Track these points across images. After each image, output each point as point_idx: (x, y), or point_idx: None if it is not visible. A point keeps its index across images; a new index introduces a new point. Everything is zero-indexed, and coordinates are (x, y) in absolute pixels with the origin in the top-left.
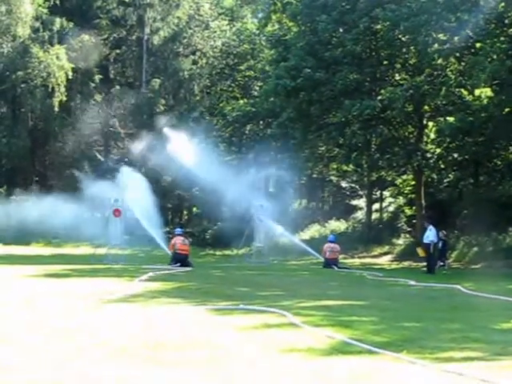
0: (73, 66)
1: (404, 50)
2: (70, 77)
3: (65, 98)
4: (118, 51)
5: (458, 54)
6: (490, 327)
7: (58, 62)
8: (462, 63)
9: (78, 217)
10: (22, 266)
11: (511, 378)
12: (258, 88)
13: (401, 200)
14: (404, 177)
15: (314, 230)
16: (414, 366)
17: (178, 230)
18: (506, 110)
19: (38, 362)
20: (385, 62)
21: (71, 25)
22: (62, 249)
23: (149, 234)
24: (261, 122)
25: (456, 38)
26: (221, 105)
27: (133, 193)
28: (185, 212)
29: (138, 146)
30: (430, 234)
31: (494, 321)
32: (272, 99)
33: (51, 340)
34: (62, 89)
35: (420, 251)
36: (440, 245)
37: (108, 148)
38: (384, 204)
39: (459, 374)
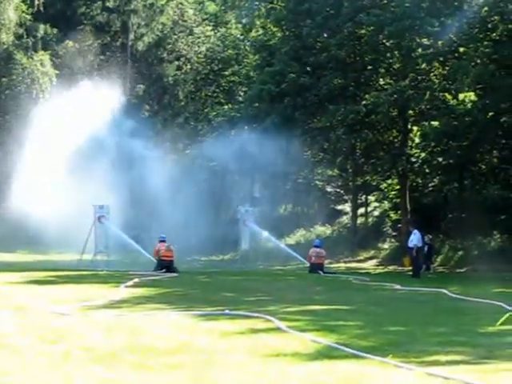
0: (57, 72)
1: (388, 54)
2: (54, 83)
3: (49, 105)
4: (102, 57)
5: (441, 59)
6: (476, 331)
7: (42, 69)
8: (446, 68)
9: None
10: (7, 273)
11: (496, 381)
12: (242, 93)
13: (386, 204)
14: (389, 181)
15: (299, 235)
16: (399, 370)
17: (162, 236)
18: (490, 114)
19: (26, 365)
20: (369, 67)
21: (55, 31)
22: (47, 255)
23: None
24: (245, 128)
25: (440, 43)
26: (205, 110)
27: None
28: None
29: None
30: (414, 238)
31: (480, 324)
32: (256, 104)
33: (39, 344)
34: (47, 95)
35: (406, 262)
36: (426, 249)
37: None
38: (369, 208)
39: (445, 378)
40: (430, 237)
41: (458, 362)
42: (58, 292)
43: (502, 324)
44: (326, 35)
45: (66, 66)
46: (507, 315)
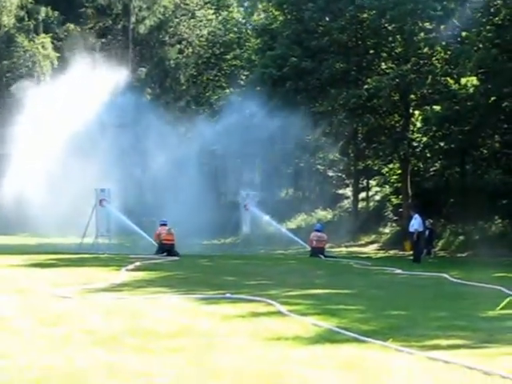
0: (58, 55)
1: (390, 38)
2: (56, 66)
3: (50, 88)
4: (103, 40)
5: (444, 43)
6: (476, 315)
7: (43, 51)
8: (448, 52)
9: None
10: (8, 255)
11: (497, 365)
12: (244, 77)
13: (387, 189)
14: (390, 166)
15: (300, 219)
16: (400, 354)
17: (163, 220)
18: (492, 98)
19: (27, 347)
20: (371, 51)
21: (56, 14)
22: (49, 239)
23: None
24: (247, 111)
25: (442, 27)
26: (207, 94)
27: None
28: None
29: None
30: (415, 223)
31: (480, 309)
32: (258, 88)
33: (40, 327)
34: (48, 78)
35: (407, 246)
36: (427, 233)
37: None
38: (370, 193)
39: (445, 362)
40: (432, 221)
41: (459, 346)
42: (59, 275)
43: (502, 308)
44: (327, 19)
45: (67, 48)
46: (508, 299)
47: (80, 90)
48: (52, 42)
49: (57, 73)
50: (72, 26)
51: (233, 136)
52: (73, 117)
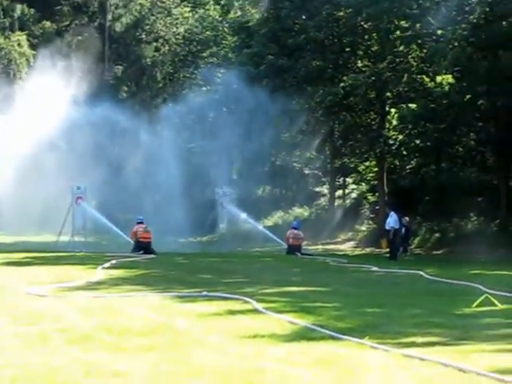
0: (34, 52)
1: (366, 36)
2: (32, 64)
3: (26, 85)
4: (79, 38)
5: (419, 41)
6: (452, 312)
7: (19, 49)
8: (424, 50)
9: (40, 204)
10: None
11: (472, 362)
12: (220, 75)
13: (364, 187)
14: (367, 163)
15: (277, 217)
16: (376, 352)
17: (139, 218)
18: (468, 96)
19: (2, 346)
20: (347, 49)
21: (32, 11)
22: (24, 237)
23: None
24: (224, 109)
25: (418, 25)
26: (183, 92)
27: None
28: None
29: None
30: (391, 221)
31: (456, 306)
32: (235, 86)
33: (15, 326)
34: (24, 76)
35: (383, 244)
36: (403, 231)
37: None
38: (347, 191)
39: (421, 359)
40: (408, 219)
41: (435, 344)
42: (35, 273)
43: (478, 306)
44: (304, 17)
45: (43, 46)
46: (483, 297)
47: (54, 88)
48: (28, 40)
49: (33, 70)
50: (48, 23)
51: (209, 133)
52: (47, 115)
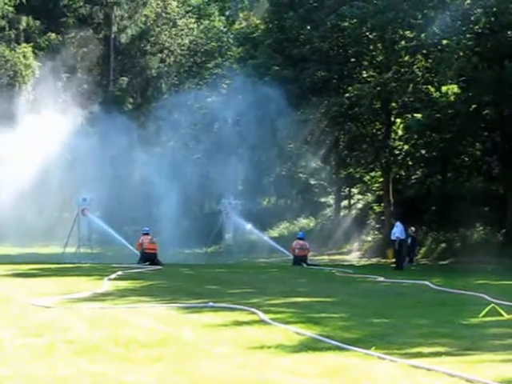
0: (40, 64)
1: (371, 47)
2: (37, 75)
3: (32, 97)
4: (85, 49)
5: (424, 51)
6: (459, 322)
7: (24, 61)
8: (429, 60)
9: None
10: None
11: (479, 372)
12: (225, 86)
13: (369, 197)
14: (372, 174)
15: (283, 228)
16: (383, 362)
17: (145, 229)
18: (473, 106)
19: (9, 358)
20: (352, 59)
21: (37, 23)
22: (31, 248)
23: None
24: (229, 120)
25: (423, 35)
26: (188, 103)
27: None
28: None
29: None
30: (397, 231)
31: (462, 316)
32: (240, 97)
33: (22, 337)
34: (29, 88)
35: (390, 254)
36: (409, 241)
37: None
38: (352, 201)
39: (428, 369)
40: (414, 229)
41: (441, 354)
42: (42, 285)
43: (484, 316)
44: (309, 27)
45: (48, 58)
46: (490, 307)
47: (59, 100)
48: (33, 52)
49: (38, 82)
50: (53, 35)
51: (215, 144)
52: (52, 126)
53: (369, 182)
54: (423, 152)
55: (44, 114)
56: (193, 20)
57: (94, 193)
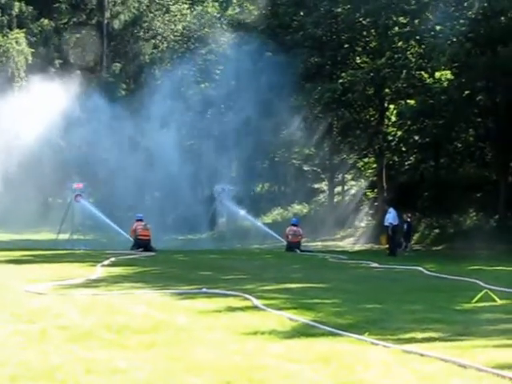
0: (32, 50)
1: (365, 33)
2: (30, 61)
3: (25, 83)
4: (77, 35)
5: (418, 37)
6: (452, 308)
7: (17, 47)
8: (422, 46)
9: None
10: None
11: (472, 357)
12: (218, 72)
13: (363, 183)
14: (365, 160)
15: (276, 214)
16: (376, 348)
17: (139, 216)
18: (466, 92)
19: (2, 344)
20: (345, 46)
21: (30, 9)
22: (23, 235)
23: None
24: (222, 106)
25: (416, 21)
26: (182, 89)
27: None
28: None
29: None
30: (390, 217)
31: (455, 301)
32: (233, 83)
33: (15, 323)
34: (22, 74)
35: (383, 240)
36: (405, 227)
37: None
38: (346, 187)
39: (421, 355)
40: (409, 215)
41: (434, 339)
42: (35, 271)
43: (477, 301)
44: (302, 13)
45: (41, 44)
46: (483, 292)
47: (53, 86)
48: (26, 38)
49: (31, 68)
50: (46, 21)
51: (208, 130)
52: (45, 113)
53: (362, 168)
54: (416, 138)
55: (36, 100)
56: (186, 6)
57: (87, 179)
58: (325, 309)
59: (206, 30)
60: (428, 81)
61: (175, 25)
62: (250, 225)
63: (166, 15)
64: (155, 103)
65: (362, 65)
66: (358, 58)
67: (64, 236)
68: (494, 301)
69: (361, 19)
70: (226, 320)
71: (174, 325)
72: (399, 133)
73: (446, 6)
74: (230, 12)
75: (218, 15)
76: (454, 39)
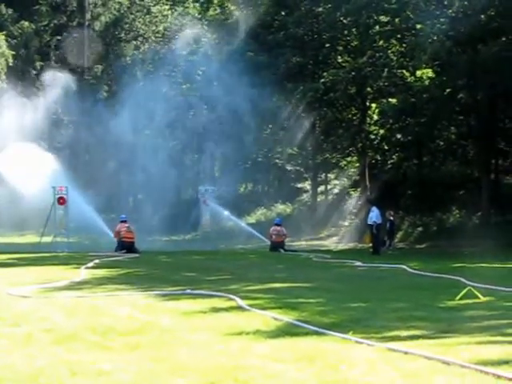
0: (13, 52)
1: (346, 32)
2: (11, 64)
3: (5, 86)
4: (59, 37)
5: (399, 36)
6: (435, 305)
7: None
8: (404, 44)
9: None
10: None
11: (456, 354)
12: (200, 73)
13: (346, 182)
14: (348, 159)
15: (260, 214)
16: (360, 346)
17: (122, 217)
18: (448, 90)
19: None
20: (327, 45)
21: (10, 11)
22: (6, 238)
23: (93, 222)
24: (205, 107)
25: (397, 20)
26: (164, 90)
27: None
28: (130, 198)
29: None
30: (373, 215)
31: (439, 299)
32: (215, 83)
33: (0, 327)
34: (3, 76)
35: (367, 239)
36: (388, 225)
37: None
38: (329, 186)
39: (405, 353)
40: (392, 213)
41: (418, 337)
42: (19, 274)
43: (461, 298)
44: (283, 13)
45: (22, 46)
46: (466, 290)
47: (34, 88)
48: (6, 40)
49: (12, 71)
50: (26, 23)
51: (190, 131)
52: (27, 114)
53: (345, 167)
54: (399, 136)
55: (18, 103)
56: (167, 7)
57: (70, 181)
58: (309, 308)
59: (188, 30)
60: (409, 79)
61: (156, 26)
62: (234, 225)
63: (147, 16)
64: (137, 105)
65: (344, 64)
66: (339, 57)
67: (47, 239)
68: (478, 298)
69: (342, 18)
70: (211, 321)
71: (159, 326)
72: (381, 131)
73: (427, 5)
74: (211, 12)
75: (199, 16)
76: (435, 38)
